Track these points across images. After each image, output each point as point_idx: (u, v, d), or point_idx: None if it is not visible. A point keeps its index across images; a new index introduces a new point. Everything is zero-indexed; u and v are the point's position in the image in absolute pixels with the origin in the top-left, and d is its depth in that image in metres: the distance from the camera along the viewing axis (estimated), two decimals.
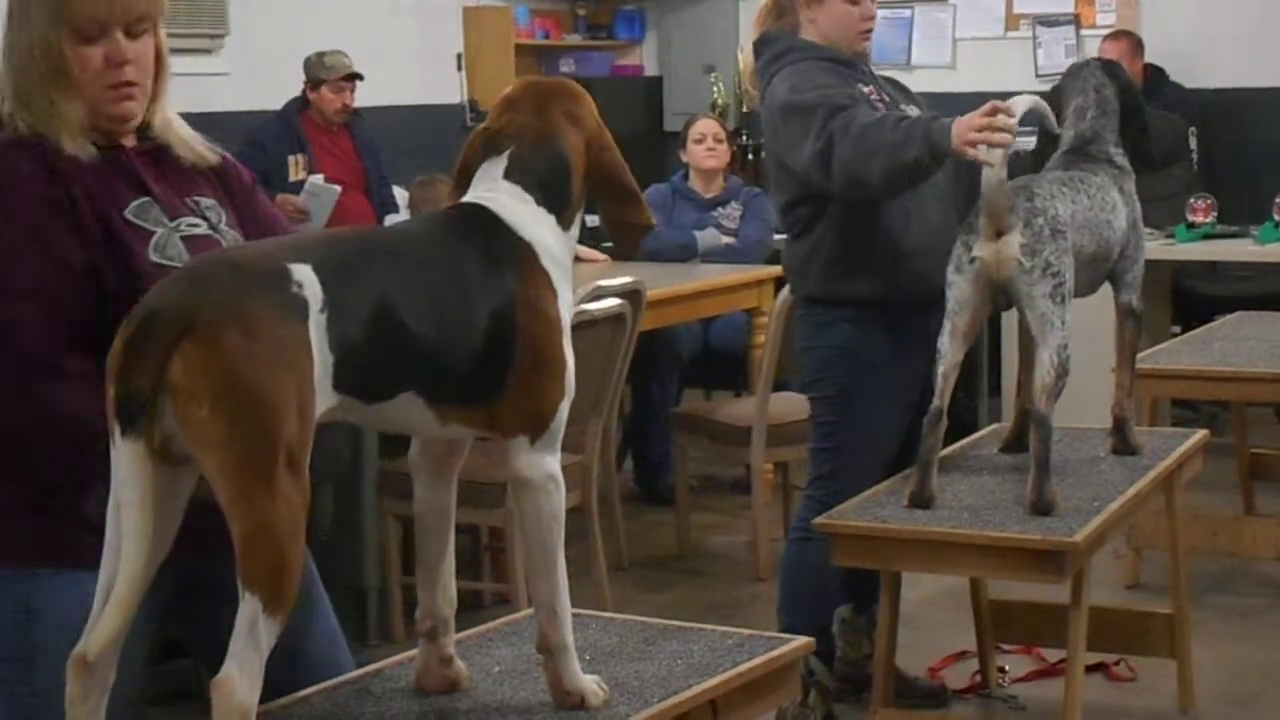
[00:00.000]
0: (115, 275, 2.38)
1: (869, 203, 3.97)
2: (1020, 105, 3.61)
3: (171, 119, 2.54)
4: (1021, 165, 4.02)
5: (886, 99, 4.08)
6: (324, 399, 2.06)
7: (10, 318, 2.36)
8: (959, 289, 3.65)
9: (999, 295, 3.67)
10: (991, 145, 3.51)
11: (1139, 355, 4.28)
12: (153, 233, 2.42)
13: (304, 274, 2.06)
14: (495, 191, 2.33)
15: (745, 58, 4.32)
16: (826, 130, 3.83)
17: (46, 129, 2.41)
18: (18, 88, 2.43)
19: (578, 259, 5.82)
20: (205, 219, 2.50)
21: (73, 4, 2.39)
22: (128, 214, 2.42)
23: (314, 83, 7.61)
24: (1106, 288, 3.98)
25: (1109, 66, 4.01)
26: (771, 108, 4.03)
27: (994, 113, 3.53)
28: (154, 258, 2.40)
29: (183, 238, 2.45)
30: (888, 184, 3.82)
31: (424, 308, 2.17)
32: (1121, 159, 3.91)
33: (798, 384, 4.31)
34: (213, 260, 2.13)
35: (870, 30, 4.13)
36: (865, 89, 4.05)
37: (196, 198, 2.51)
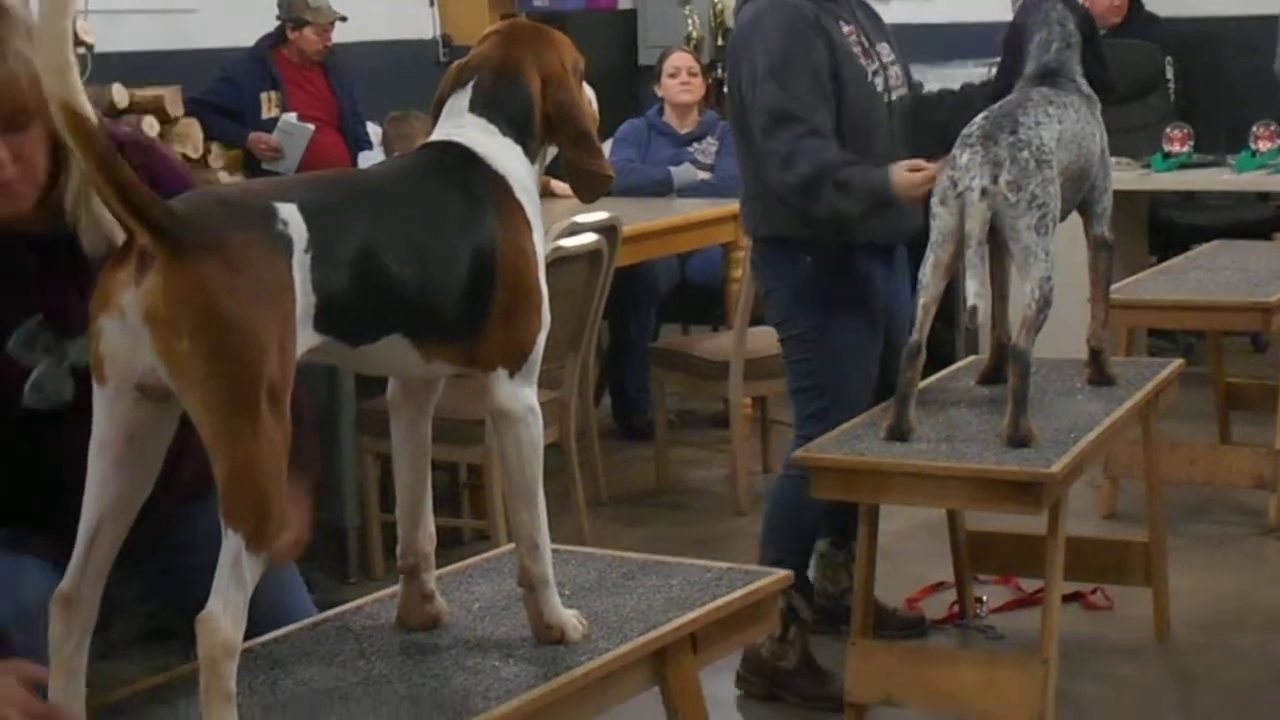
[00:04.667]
0: None
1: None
2: None
3: (88, 195, 2.31)
4: (975, 97, 4.02)
5: (865, 42, 4.05)
6: (305, 339, 2.05)
7: None
8: (943, 221, 3.61)
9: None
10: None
11: (1115, 285, 4.27)
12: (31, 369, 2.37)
13: (290, 213, 2.04)
14: (462, 126, 2.34)
15: None
16: (786, 149, 3.89)
17: None
18: None
19: (554, 194, 5.87)
20: None
21: None
22: (10, 348, 2.37)
23: (297, 23, 7.54)
24: (1077, 218, 3.98)
25: None
26: (750, 60, 3.99)
27: (917, 168, 3.73)
28: (29, 402, 2.38)
29: (73, 367, 2.38)
30: (822, 217, 3.94)
31: (410, 251, 2.17)
32: (1088, 89, 3.89)
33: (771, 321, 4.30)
34: (200, 196, 2.11)
35: None
36: (846, 28, 4.02)
37: None
